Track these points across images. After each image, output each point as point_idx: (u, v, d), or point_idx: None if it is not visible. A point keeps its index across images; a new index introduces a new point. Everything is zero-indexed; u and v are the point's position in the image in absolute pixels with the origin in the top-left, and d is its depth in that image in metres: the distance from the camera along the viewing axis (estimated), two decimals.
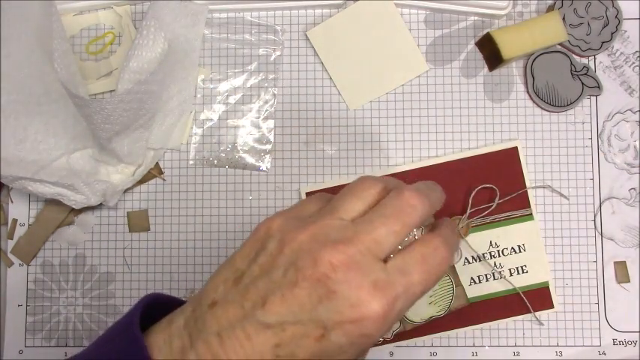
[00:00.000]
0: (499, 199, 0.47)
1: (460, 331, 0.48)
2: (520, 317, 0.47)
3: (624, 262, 0.48)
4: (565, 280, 0.48)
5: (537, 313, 0.47)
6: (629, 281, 0.48)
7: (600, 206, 0.48)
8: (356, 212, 0.31)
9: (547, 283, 0.48)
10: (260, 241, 0.31)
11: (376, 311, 0.27)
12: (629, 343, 0.48)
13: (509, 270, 0.48)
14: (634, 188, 0.48)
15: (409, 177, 0.48)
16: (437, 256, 0.30)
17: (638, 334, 0.48)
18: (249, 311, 0.28)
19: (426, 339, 0.48)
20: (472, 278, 0.48)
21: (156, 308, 0.32)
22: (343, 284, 0.27)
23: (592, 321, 0.48)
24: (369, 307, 0.27)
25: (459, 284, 0.47)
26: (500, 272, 0.48)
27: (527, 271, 0.48)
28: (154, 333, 0.30)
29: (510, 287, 0.47)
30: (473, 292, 0.47)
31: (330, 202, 0.32)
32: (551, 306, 0.48)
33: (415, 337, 0.47)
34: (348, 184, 0.33)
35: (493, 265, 0.48)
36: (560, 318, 0.48)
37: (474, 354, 0.48)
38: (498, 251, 0.48)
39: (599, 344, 0.48)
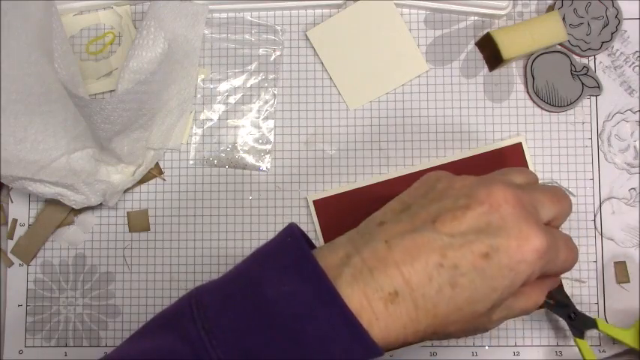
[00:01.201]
0: None
1: None
2: (536, 312, 0.47)
3: (624, 262, 0.48)
4: (565, 280, 0.48)
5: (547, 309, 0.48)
6: (629, 281, 0.48)
7: (600, 206, 0.48)
8: (519, 182, 0.34)
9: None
10: (428, 184, 0.34)
11: (540, 243, 0.30)
12: None
13: None
14: (634, 188, 0.48)
15: (412, 179, 0.48)
16: (574, 249, 0.34)
17: None
18: (420, 226, 0.31)
19: None
20: None
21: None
22: (512, 216, 0.30)
23: None
24: (534, 238, 0.30)
25: None
26: None
27: None
28: (315, 250, 0.32)
29: None
30: None
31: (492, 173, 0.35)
32: None
33: None
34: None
35: None
36: (560, 318, 0.48)
37: (474, 354, 0.48)
38: None
39: (599, 344, 0.48)
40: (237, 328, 0.30)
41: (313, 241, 0.48)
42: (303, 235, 0.34)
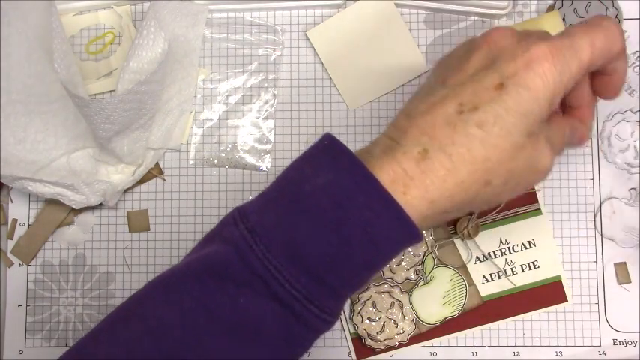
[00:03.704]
0: None
1: (461, 331, 0.48)
2: (536, 312, 0.48)
3: (624, 263, 0.48)
4: (565, 280, 0.48)
5: (547, 309, 0.48)
6: (629, 281, 0.48)
7: (600, 206, 0.48)
8: None
9: (559, 277, 0.48)
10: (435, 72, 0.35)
11: (541, 50, 0.30)
12: (629, 343, 0.47)
13: (521, 266, 0.48)
14: (634, 188, 0.48)
15: None
16: (602, 28, 0.32)
17: (638, 334, 0.47)
18: (432, 88, 0.32)
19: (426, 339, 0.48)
20: (484, 276, 0.48)
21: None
22: (511, 42, 0.31)
23: (592, 321, 0.48)
24: (533, 48, 0.30)
25: (471, 283, 0.47)
26: (504, 271, 0.48)
27: (538, 266, 0.48)
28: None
29: (523, 283, 0.48)
30: (486, 290, 0.48)
31: None
32: (565, 299, 0.48)
33: (431, 339, 0.47)
34: None
35: (504, 262, 0.48)
36: (560, 318, 0.48)
37: (474, 354, 0.48)
38: (509, 248, 0.48)
39: (599, 344, 0.48)
40: (278, 223, 0.31)
41: None
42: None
